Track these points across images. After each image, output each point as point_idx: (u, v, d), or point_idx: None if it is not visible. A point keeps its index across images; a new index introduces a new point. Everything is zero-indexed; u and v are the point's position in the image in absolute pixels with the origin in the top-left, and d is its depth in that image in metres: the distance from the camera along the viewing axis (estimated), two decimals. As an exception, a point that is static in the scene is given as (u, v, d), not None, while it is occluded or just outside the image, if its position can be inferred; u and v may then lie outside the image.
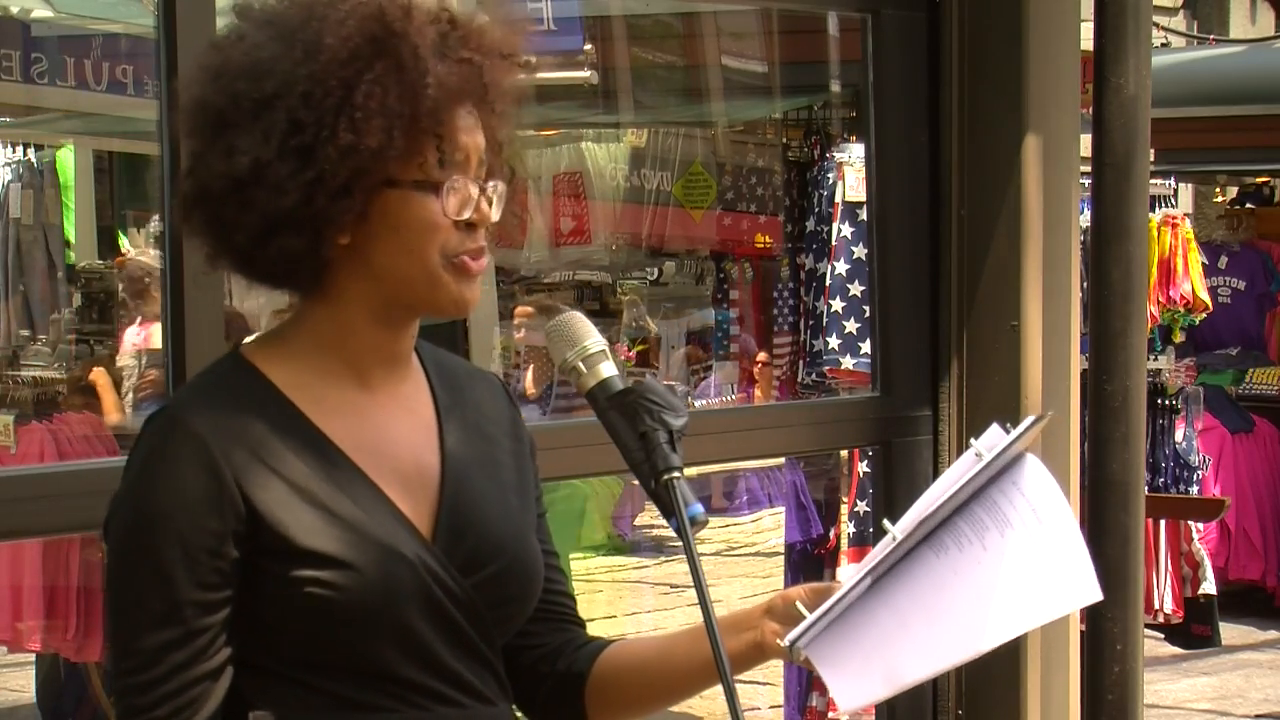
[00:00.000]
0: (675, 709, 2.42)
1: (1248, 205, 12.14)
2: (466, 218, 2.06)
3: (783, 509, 7.37)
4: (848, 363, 6.52)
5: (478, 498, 2.14)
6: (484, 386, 2.25)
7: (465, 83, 2.04)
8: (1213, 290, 9.45)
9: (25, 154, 10.96)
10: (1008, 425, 2.11)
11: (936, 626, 2.01)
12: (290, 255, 2.02)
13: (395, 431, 2.11)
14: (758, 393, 7.56)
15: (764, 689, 7.12)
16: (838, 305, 6.52)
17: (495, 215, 2.10)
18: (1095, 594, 2.07)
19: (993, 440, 2.07)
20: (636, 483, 2.11)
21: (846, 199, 6.59)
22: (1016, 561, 2.03)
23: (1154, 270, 8.28)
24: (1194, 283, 8.76)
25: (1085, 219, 5.17)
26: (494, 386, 2.27)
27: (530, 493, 2.24)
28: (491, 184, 2.09)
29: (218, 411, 2.02)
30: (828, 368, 6.64)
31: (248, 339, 2.15)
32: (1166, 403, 8.93)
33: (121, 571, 2.02)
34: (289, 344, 2.10)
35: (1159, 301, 8.59)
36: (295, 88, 2.00)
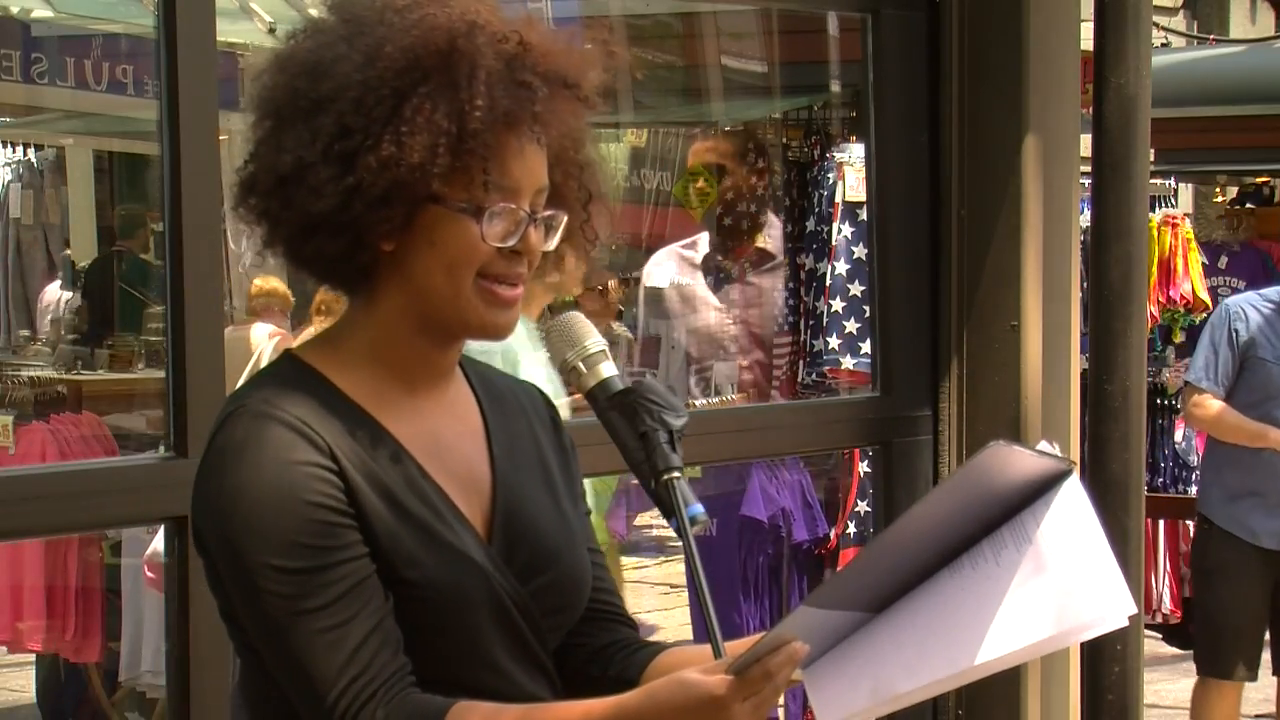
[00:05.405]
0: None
1: (1248, 205, 12.11)
2: (510, 245, 2.03)
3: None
4: (848, 363, 6.50)
5: (529, 505, 2.14)
6: (526, 397, 2.25)
7: (517, 108, 2.00)
8: (1213, 290, 9.42)
9: (25, 154, 10.96)
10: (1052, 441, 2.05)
11: (929, 641, 1.94)
12: (328, 256, 2.02)
13: (447, 435, 2.11)
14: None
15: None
16: (838, 305, 6.51)
17: (549, 245, 2.08)
18: (1122, 617, 1.98)
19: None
20: (636, 482, 2.10)
21: (846, 199, 6.57)
22: (1029, 576, 1.95)
23: (1154, 270, 8.27)
24: (1194, 283, 8.76)
25: (1085, 219, 5.17)
26: (535, 396, 2.26)
27: (578, 499, 2.24)
28: (548, 214, 2.07)
29: (294, 404, 2.01)
30: (828, 368, 6.63)
31: (297, 343, 2.14)
32: (1166, 403, 8.91)
33: (262, 568, 1.95)
34: (340, 349, 2.10)
35: (1159, 301, 8.59)
36: (348, 92, 1.98)
